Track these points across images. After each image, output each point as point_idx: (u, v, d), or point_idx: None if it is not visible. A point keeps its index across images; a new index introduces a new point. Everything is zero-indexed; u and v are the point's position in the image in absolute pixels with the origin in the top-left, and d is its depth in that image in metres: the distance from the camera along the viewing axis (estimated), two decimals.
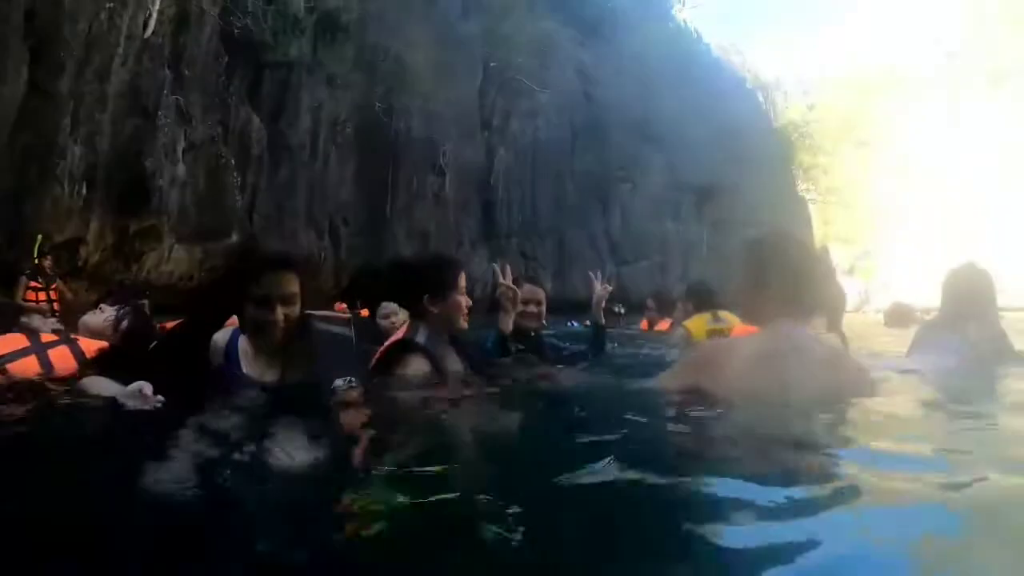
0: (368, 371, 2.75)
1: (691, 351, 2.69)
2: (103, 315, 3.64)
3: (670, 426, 2.12)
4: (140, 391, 2.11)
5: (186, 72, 13.64)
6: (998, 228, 71.79)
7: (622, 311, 8.08)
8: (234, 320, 2.55)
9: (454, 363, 2.96)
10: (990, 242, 71.39)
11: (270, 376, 2.49)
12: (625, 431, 1.94)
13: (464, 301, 2.95)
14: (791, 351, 2.21)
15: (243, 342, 2.51)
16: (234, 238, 13.45)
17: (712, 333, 5.05)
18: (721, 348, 2.60)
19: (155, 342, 3.51)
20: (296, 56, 16.55)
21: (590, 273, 4.12)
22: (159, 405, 2.09)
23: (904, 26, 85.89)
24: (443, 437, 2.11)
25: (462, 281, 2.97)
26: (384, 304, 5.32)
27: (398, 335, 2.91)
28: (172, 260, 12.58)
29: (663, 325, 7.92)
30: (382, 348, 2.88)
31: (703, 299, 5.48)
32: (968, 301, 3.74)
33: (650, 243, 30.84)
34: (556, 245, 26.17)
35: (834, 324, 3.29)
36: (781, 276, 2.34)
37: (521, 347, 4.13)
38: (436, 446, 1.93)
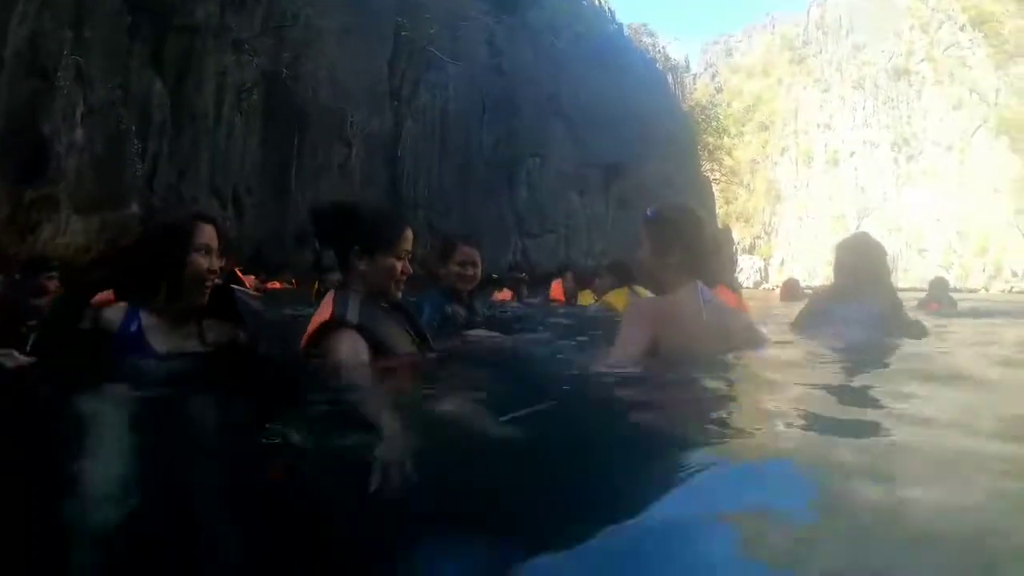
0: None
1: (631, 316, 2.59)
2: None
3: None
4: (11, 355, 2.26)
5: (87, 33, 13.23)
6: (890, 213, 76.19)
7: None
8: (108, 295, 2.53)
9: (399, 338, 2.60)
10: (882, 226, 75.75)
11: (190, 348, 2.50)
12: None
13: (400, 267, 2.55)
14: (707, 306, 2.46)
15: (149, 318, 2.46)
16: (133, 208, 13.25)
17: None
18: (664, 305, 2.59)
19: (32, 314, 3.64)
20: (203, 19, 16.17)
21: None
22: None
23: (815, 16, 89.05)
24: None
25: (404, 243, 2.56)
26: None
27: (324, 313, 2.42)
28: (69, 232, 12.28)
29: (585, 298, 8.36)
30: (309, 328, 2.44)
31: (623, 274, 6.02)
32: (863, 271, 3.80)
33: (556, 217, 31.39)
34: (462, 217, 26.51)
35: (725, 280, 3.33)
36: (685, 244, 2.54)
37: (462, 312, 4.15)
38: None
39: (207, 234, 2.51)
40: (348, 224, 2.56)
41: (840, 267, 3.88)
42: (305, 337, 2.43)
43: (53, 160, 12.19)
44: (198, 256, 2.46)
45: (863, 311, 3.51)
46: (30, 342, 2.41)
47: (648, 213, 2.69)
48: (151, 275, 2.47)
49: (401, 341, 2.59)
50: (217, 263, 2.51)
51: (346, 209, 2.66)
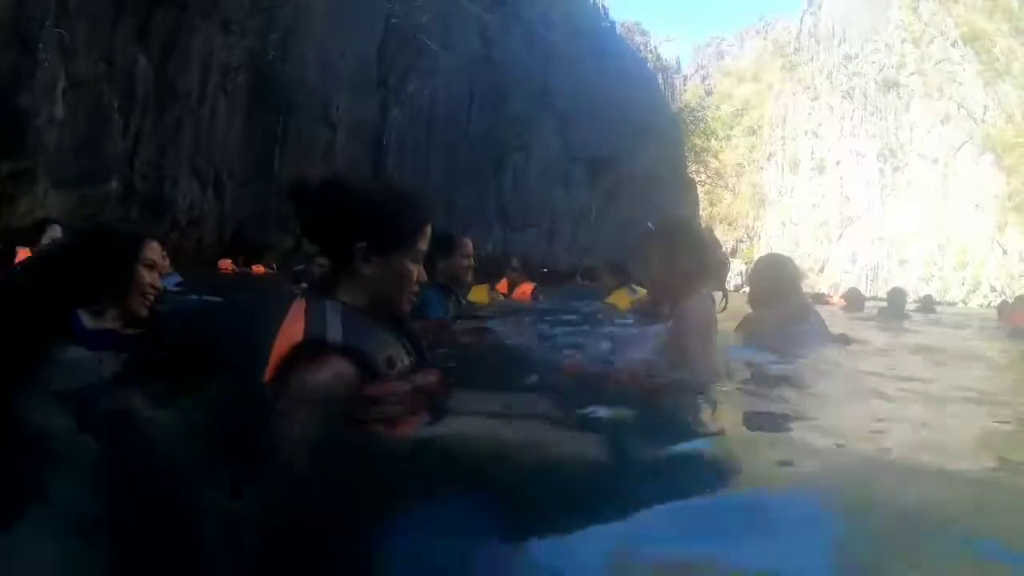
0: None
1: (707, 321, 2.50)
2: None
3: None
4: None
5: (72, 4, 13.08)
6: (874, 223, 76.91)
7: None
8: None
9: (394, 355, 1.75)
10: (865, 235, 76.52)
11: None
12: None
13: (416, 272, 1.84)
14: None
15: (85, 317, 2.34)
16: (113, 184, 13.17)
17: (633, 303, 5.73)
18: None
19: None
20: None
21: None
22: None
23: (808, 25, 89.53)
24: None
25: (423, 242, 1.84)
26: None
27: (295, 332, 1.59)
28: (47, 206, 12.08)
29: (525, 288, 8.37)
30: (276, 353, 1.58)
31: (622, 274, 6.06)
32: (770, 287, 3.92)
33: (540, 210, 31.44)
34: (446, 208, 26.43)
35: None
36: (693, 254, 2.54)
37: (455, 307, 4.10)
38: None
39: (155, 251, 2.52)
40: (353, 211, 1.78)
41: (751, 284, 4.08)
42: (271, 366, 1.59)
43: (32, 133, 12.07)
44: (143, 270, 2.45)
45: (773, 325, 3.70)
46: None
47: (651, 227, 2.68)
48: (95, 281, 2.37)
49: (397, 358, 1.78)
50: (159, 281, 2.51)
51: (350, 191, 1.82)
